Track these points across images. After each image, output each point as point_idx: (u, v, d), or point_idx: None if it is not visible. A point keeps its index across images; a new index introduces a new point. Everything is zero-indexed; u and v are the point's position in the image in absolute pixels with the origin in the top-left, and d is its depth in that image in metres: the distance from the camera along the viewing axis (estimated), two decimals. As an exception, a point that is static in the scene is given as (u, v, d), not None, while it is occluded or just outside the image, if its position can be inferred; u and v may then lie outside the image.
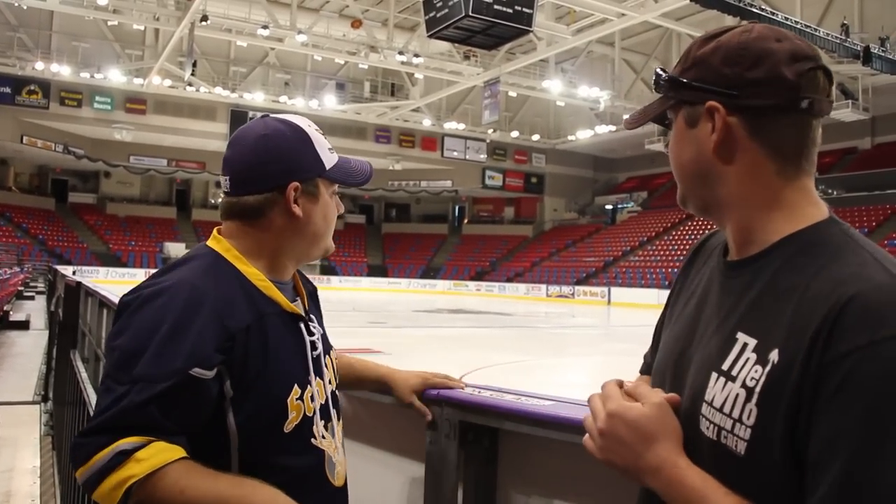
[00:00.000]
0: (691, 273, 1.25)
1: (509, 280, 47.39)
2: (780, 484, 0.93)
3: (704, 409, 1.03)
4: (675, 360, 1.15)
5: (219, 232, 1.52)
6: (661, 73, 1.14)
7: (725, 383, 1.00)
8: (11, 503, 4.91)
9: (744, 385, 0.97)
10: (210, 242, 1.50)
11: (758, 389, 0.95)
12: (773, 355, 0.95)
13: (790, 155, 1.06)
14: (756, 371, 0.96)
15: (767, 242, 1.06)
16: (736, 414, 0.97)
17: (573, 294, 40.84)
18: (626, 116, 1.27)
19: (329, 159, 1.54)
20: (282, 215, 1.48)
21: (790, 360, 0.92)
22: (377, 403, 1.92)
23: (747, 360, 0.99)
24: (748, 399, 0.96)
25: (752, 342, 0.99)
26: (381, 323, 22.15)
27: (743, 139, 1.06)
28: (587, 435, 1.09)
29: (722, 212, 1.11)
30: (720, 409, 1.00)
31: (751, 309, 1.03)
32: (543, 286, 43.43)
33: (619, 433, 1.04)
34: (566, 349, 17.07)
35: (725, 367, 1.01)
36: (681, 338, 1.16)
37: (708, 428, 1.01)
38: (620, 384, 1.11)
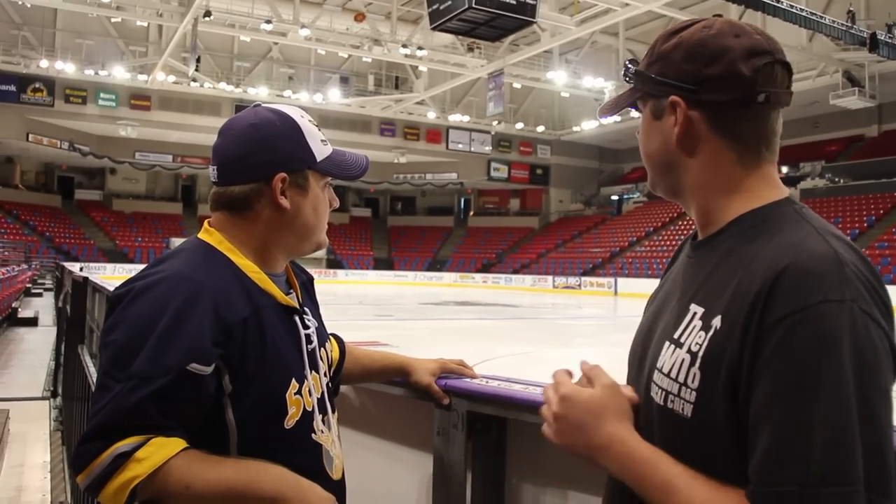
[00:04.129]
0: (669, 273, 1.30)
1: (515, 272, 47.36)
2: (727, 445, 0.97)
3: (655, 375, 1.09)
4: (643, 340, 1.20)
5: (209, 224, 1.48)
6: (629, 65, 1.20)
7: (675, 350, 1.06)
8: (23, 498, 4.94)
9: (689, 350, 1.03)
10: (201, 235, 1.47)
11: (700, 354, 1.01)
12: (716, 321, 1.00)
13: (750, 145, 1.11)
14: (700, 336, 1.02)
15: (724, 222, 1.12)
16: (682, 378, 1.03)
17: (580, 285, 40.80)
18: (600, 106, 1.34)
19: (321, 151, 1.49)
20: (269, 207, 1.44)
21: (731, 325, 0.98)
22: (385, 395, 1.92)
23: (694, 327, 1.04)
24: (692, 363, 1.02)
25: (700, 310, 1.05)
26: (387, 316, 22.15)
27: (704, 132, 1.11)
28: (545, 424, 1.13)
29: (687, 197, 1.18)
30: (668, 375, 1.06)
31: (704, 282, 1.09)
32: (550, 277, 43.42)
33: (572, 415, 1.08)
34: (573, 340, 17.06)
35: (677, 335, 1.07)
36: (649, 320, 1.22)
37: (657, 394, 1.08)
38: (570, 373, 1.15)
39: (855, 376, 0.89)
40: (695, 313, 1.05)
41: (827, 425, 0.87)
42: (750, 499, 0.91)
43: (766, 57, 1.09)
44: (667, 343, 1.08)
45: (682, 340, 1.05)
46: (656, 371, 1.08)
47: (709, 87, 1.09)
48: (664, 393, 1.05)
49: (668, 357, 1.06)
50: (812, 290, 0.92)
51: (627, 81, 1.21)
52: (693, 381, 1.01)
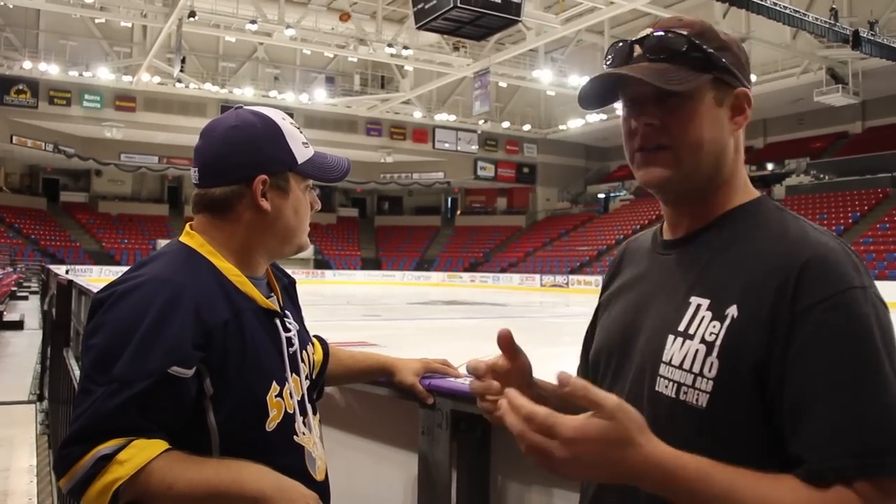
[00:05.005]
0: (620, 276, 1.32)
1: (503, 270, 47.37)
2: (742, 431, 1.01)
3: (662, 369, 1.09)
4: (620, 339, 1.20)
5: (191, 227, 1.48)
6: (701, 44, 1.13)
7: (683, 342, 1.07)
8: (8, 502, 4.91)
9: (703, 341, 1.05)
10: (183, 238, 1.47)
11: (718, 343, 1.03)
12: (732, 310, 1.03)
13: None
14: (714, 326, 1.04)
15: (711, 217, 1.16)
16: (696, 368, 1.04)
17: (567, 283, 40.83)
18: (624, 70, 1.15)
19: (302, 153, 1.49)
20: (250, 209, 1.44)
21: (752, 314, 1.01)
22: (371, 395, 1.92)
23: (703, 318, 1.06)
24: (708, 353, 1.03)
25: (706, 302, 1.07)
26: (375, 316, 22.11)
27: (743, 128, 1.19)
28: (537, 460, 0.95)
29: (709, 190, 1.17)
30: (679, 367, 1.06)
31: (702, 274, 1.11)
32: (537, 276, 43.44)
33: (588, 454, 0.92)
34: (561, 338, 17.04)
35: (682, 328, 1.08)
36: (622, 320, 1.22)
37: (667, 387, 1.08)
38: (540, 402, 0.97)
39: (886, 354, 0.96)
40: (699, 305, 1.07)
41: (877, 401, 0.93)
42: (806, 478, 0.93)
43: None
44: (671, 337, 1.09)
45: (691, 332, 1.06)
46: (663, 365, 1.09)
47: (749, 87, 1.18)
48: (676, 385, 1.06)
49: (678, 350, 1.07)
50: (838, 279, 0.99)
51: (682, 61, 1.13)
52: (710, 371, 1.03)
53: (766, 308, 1.00)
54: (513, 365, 1.23)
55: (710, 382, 1.02)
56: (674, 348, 1.08)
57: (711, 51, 1.13)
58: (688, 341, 1.06)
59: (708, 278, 1.09)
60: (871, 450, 0.91)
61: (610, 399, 0.92)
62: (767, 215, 1.12)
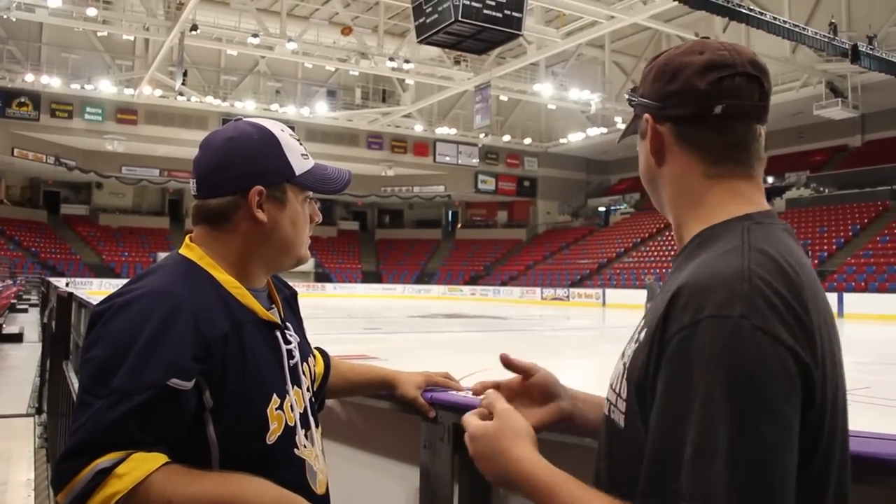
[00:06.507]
0: None
1: (504, 284, 47.40)
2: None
3: (607, 388, 1.13)
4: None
5: (190, 239, 1.48)
6: (628, 93, 1.26)
7: (618, 362, 1.11)
8: (6, 517, 4.89)
9: (623, 363, 1.08)
10: (182, 250, 1.46)
11: (627, 365, 1.05)
12: (642, 334, 1.04)
13: (716, 157, 1.12)
14: (630, 349, 1.07)
15: (689, 238, 1.14)
16: (618, 389, 1.08)
17: (568, 296, 40.86)
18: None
19: (300, 165, 1.48)
20: (246, 220, 1.43)
21: (646, 338, 1.01)
22: (372, 408, 1.91)
23: (632, 339, 1.09)
24: (623, 375, 1.06)
25: (643, 324, 1.09)
26: (376, 329, 22.11)
27: (671, 145, 1.15)
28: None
29: (665, 211, 1.22)
30: (611, 386, 1.11)
31: (659, 295, 1.09)
32: (538, 289, 43.46)
33: (481, 451, 1.14)
34: (562, 351, 17.06)
35: (623, 348, 1.11)
36: None
37: (604, 404, 1.13)
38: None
39: (730, 394, 0.87)
40: (641, 327, 1.09)
41: (694, 443, 0.87)
42: None
43: (725, 70, 1.09)
44: (619, 359, 1.12)
45: (624, 352, 1.09)
46: (609, 384, 1.14)
47: (671, 103, 1.13)
48: (609, 404, 1.11)
49: (614, 369, 1.11)
50: (700, 307, 0.92)
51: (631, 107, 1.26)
52: (624, 392, 1.05)
53: (650, 335, 0.99)
54: (528, 381, 1.40)
55: (625, 403, 1.04)
56: (615, 368, 1.11)
57: (631, 96, 1.23)
58: (619, 362, 1.10)
59: (655, 302, 1.09)
60: (673, 494, 0.87)
61: (497, 404, 1.19)
62: (720, 237, 1.05)
